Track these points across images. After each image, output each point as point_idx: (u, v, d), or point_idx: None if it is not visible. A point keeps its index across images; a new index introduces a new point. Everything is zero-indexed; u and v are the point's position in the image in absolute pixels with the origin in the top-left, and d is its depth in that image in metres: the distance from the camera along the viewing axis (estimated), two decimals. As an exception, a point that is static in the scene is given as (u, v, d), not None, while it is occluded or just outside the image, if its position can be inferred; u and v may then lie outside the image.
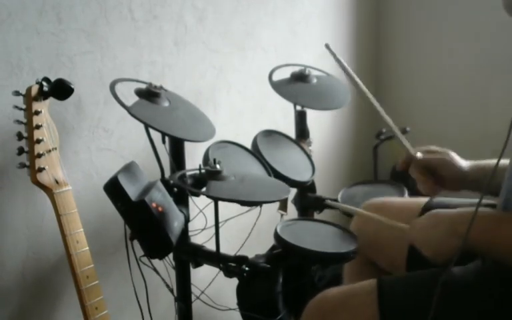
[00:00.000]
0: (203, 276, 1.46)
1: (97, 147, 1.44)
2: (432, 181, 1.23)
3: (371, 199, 1.40)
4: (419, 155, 1.27)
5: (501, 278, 0.99)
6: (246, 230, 1.45)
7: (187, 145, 1.38)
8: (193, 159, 1.47)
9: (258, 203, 1.22)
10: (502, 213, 1.03)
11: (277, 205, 1.61)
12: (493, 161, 1.17)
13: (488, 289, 1.00)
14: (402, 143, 1.31)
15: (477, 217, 0.95)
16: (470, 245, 0.97)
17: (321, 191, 1.74)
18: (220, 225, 1.21)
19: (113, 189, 1.11)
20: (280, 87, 1.66)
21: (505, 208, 1.04)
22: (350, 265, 1.42)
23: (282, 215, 1.59)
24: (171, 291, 1.37)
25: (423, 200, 1.30)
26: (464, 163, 1.24)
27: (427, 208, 1.25)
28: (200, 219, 1.38)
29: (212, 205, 1.20)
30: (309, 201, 1.69)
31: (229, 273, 1.23)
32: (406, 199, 1.34)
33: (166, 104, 1.31)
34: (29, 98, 1.13)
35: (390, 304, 1.03)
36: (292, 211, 1.69)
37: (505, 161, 1.11)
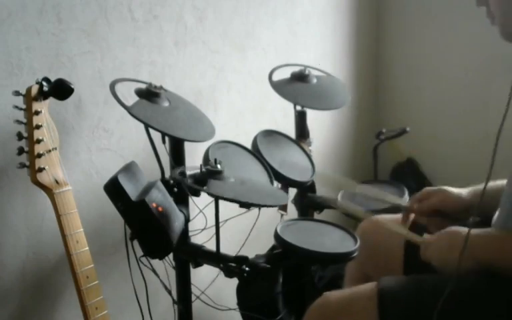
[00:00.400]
0: (203, 276, 1.46)
1: (97, 147, 1.44)
2: (438, 220, 1.25)
3: (366, 220, 1.41)
4: (415, 206, 1.29)
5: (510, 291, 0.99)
6: (246, 230, 1.45)
7: (187, 145, 1.38)
8: (193, 159, 1.47)
9: (257, 205, 1.22)
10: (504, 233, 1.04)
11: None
12: (490, 183, 1.20)
13: (499, 304, 1.00)
14: (398, 204, 1.34)
15: (492, 239, 0.96)
16: (482, 266, 0.98)
17: (320, 191, 1.74)
18: (220, 224, 1.21)
19: (113, 188, 1.11)
20: (280, 87, 1.66)
21: (505, 225, 1.05)
22: (352, 270, 1.43)
23: (282, 215, 1.59)
24: (169, 292, 1.36)
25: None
26: (462, 192, 1.26)
27: (417, 225, 1.28)
28: (200, 218, 1.38)
29: (212, 205, 1.20)
30: (309, 201, 1.69)
31: (229, 273, 1.23)
32: (397, 216, 1.36)
33: (166, 104, 1.31)
34: (28, 98, 1.13)
35: (390, 309, 1.03)
36: (292, 211, 1.69)
37: (501, 182, 1.13)
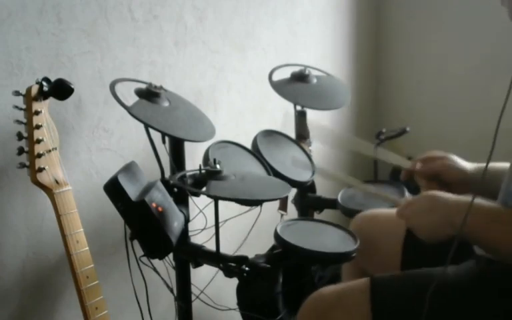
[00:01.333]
0: (203, 276, 1.46)
1: (97, 147, 1.44)
2: (435, 185, 1.23)
3: (361, 212, 1.41)
4: (418, 165, 1.26)
5: (500, 288, 0.99)
6: (246, 230, 1.45)
7: (187, 145, 1.38)
8: (193, 159, 1.47)
9: (258, 202, 1.22)
10: (497, 209, 1.02)
11: (276, 204, 1.61)
12: (495, 164, 1.19)
13: (485, 296, 1.00)
14: (402, 163, 1.33)
15: (473, 209, 0.95)
16: (463, 235, 0.97)
17: (320, 191, 1.74)
18: (220, 224, 1.21)
19: (113, 188, 1.11)
20: (280, 87, 1.66)
21: (505, 204, 1.04)
22: (348, 266, 1.43)
23: (282, 215, 1.59)
24: (171, 290, 1.37)
25: None
26: (466, 165, 1.24)
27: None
28: (200, 218, 1.38)
29: (212, 205, 1.20)
30: (309, 201, 1.69)
31: (229, 273, 1.22)
32: (394, 210, 1.36)
33: (166, 104, 1.31)
34: (28, 98, 1.13)
35: (382, 303, 1.04)
36: (292, 211, 1.69)
37: (506, 164, 1.12)
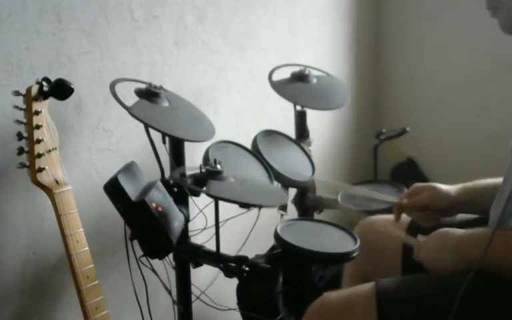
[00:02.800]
0: (203, 276, 1.46)
1: (97, 147, 1.44)
2: (429, 214, 1.28)
3: (364, 219, 1.42)
4: (404, 200, 1.31)
5: (506, 292, 0.99)
6: (246, 230, 1.45)
7: (187, 145, 1.38)
8: (193, 159, 1.47)
9: (258, 205, 1.22)
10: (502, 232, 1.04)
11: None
12: (479, 182, 1.22)
13: (491, 300, 1.00)
14: (387, 201, 1.35)
15: (482, 239, 0.97)
16: (474, 263, 0.98)
17: (321, 191, 1.74)
18: (220, 224, 1.21)
19: (113, 189, 1.11)
20: (280, 87, 1.66)
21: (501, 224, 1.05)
22: (349, 269, 1.43)
23: (282, 215, 1.58)
24: (169, 292, 1.36)
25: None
26: (451, 189, 1.28)
27: (413, 223, 1.31)
28: (200, 218, 1.38)
29: (212, 205, 1.20)
30: (309, 201, 1.69)
31: (229, 273, 1.22)
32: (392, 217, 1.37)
33: (166, 104, 1.31)
34: (28, 98, 1.13)
35: (389, 309, 1.03)
36: (292, 211, 1.69)
37: (495, 180, 1.14)
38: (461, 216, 1.30)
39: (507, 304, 0.98)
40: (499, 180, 1.14)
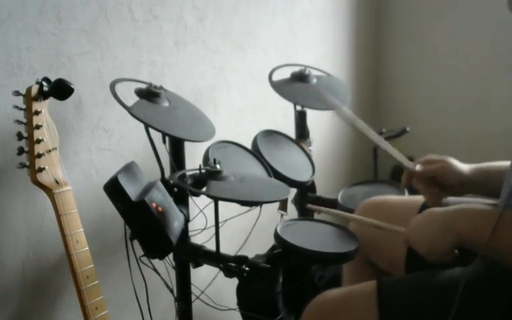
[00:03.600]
0: (203, 276, 1.46)
1: (97, 147, 1.44)
2: (435, 190, 1.24)
3: (369, 198, 1.40)
4: (418, 167, 1.27)
5: (507, 288, 0.99)
6: (246, 230, 1.45)
7: (187, 145, 1.38)
8: (193, 158, 1.47)
9: (258, 203, 1.22)
10: (497, 211, 1.03)
11: (276, 204, 1.61)
12: (493, 164, 1.18)
13: (492, 296, 1.00)
14: (401, 161, 1.31)
15: (475, 214, 0.95)
16: (464, 242, 0.97)
17: (321, 191, 1.74)
18: (220, 224, 1.21)
19: (113, 189, 1.11)
20: (280, 87, 1.66)
21: (508, 206, 1.04)
22: (350, 265, 1.42)
23: (282, 215, 1.58)
24: (171, 291, 1.37)
25: (420, 198, 1.30)
26: (464, 167, 1.24)
27: (425, 206, 1.26)
28: (200, 218, 1.38)
29: (212, 205, 1.20)
30: (309, 201, 1.69)
31: (228, 273, 1.22)
32: (403, 198, 1.34)
33: (166, 104, 1.31)
34: (28, 98, 1.13)
35: (390, 306, 1.03)
36: (292, 211, 1.69)
37: (505, 163, 1.11)
38: (455, 199, 1.28)
39: (507, 298, 0.98)
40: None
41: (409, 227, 1.09)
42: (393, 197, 1.38)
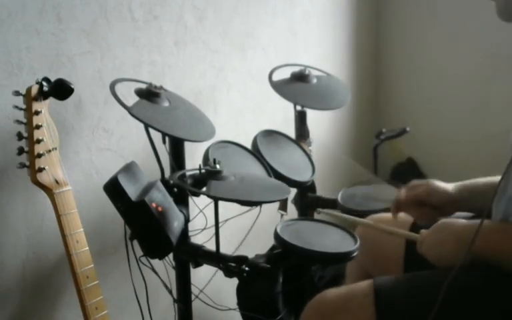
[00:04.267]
0: (203, 276, 1.46)
1: (97, 147, 1.44)
2: (426, 211, 1.27)
3: (367, 217, 1.41)
4: (402, 195, 1.30)
5: (505, 290, 0.99)
6: (246, 230, 1.45)
7: (187, 145, 1.38)
8: (193, 158, 1.47)
9: (258, 203, 1.22)
10: (503, 224, 1.04)
11: (276, 204, 1.61)
12: (478, 180, 1.22)
13: (490, 298, 1.00)
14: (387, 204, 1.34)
15: (489, 230, 0.97)
16: (476, 256, 0.98)
17: (320, 191, 1.74)
18: (220, 224, 1.21)
19: (113, 189, 1.11)
20: (280, 87, 1.66)
21: (504, 219, 1.05)
22: (352, 269, 1.43)
23: (282, 215, 1.58)
24: (170, 292, 1.37)
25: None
26: (448, 186, 1.28)
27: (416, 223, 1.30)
28: (200, 218, 1.38)
29: (212, 205, 1.20)
30: (308, 201, 1.69)
31: (228, 273, 1.22)
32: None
33: (166, 104, 1.31)
34: (28, 98, 1.13)
35: (386, 306, 1.03)
36: (292, 211, 1.69)
37: (494, 178, 1.13)
38: (458, 214, 1.30)
39: (502, 297, 0.99)
40: (497, 178, 1.14)
41: (423, 242, 1.11)
42: (386, 215, 1.40)
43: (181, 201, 1.31)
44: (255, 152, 1.50)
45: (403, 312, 1.03)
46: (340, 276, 1.54)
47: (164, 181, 1.27)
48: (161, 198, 1.17)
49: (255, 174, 1.40)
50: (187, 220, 1.33)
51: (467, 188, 1.26)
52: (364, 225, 1.34)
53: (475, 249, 0.98)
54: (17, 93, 1.13)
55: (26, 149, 1.12)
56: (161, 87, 1.32)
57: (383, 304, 1.03)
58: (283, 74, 1.72)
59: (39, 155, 1.12)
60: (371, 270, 1.34)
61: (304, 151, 1.66)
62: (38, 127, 1.12)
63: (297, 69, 1.73)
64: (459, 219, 1.10)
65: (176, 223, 1.19)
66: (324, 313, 1.08)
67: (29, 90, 1.13)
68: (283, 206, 1.61)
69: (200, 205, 1.35)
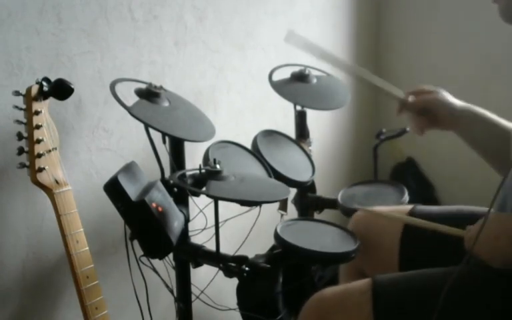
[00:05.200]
0: (203, 276, 1.46)
1: (97, 147, 1.44)
2: (423, 120, 1.26)
3: (359, 211, 1.40)
4: (410, 98, 1.28)
5: (501, 289, 0.99)
6: (246, 230, 1.45)
7: (187, 145, 1.38)
8: (193, 158, 1.47)
9: (258, 203, 1.22)
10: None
11: (276, 204, 1.61)
12: (483, 111, 1.19)
13: (486, 297, 1.00)
14: (391, 93, 1.31)
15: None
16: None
17: (320, 191, 1.74)
18: (220, 224, 1.21)
19: (113, 189, 1.11)
20: (280, 87, 1.66)
21: (502, 208, 1.04)
22: (345, 266, 1.43)
23: (282, 215, 1.59)
24: (171, 291, 1.37)
25: (407, 208, 1.32)
26: (456, 101, 1.26)
27: (411, 215, 1.27)
28: (200, 218, 1.38)
29: (212, 205, 1.20)
30: (308, 201, 1.69)
31: (229, 273, 1.23)
32: (391, 208, 1.35)
33: (166, 104, 1.31)
34: (28, 98, 1.13)
35: (384, 304, 1.03)
36: (292, 211, 1.69)
37: (493, 116, 1.11)
38: (440, 208, 1.26)
39: (501, 297, 0.99)
40: (504, 121, 1.11)
41: (472, 239, 1.03)
42: (381, 208, 1.38)
43: (181, 200, 1.31)
44: (255, 152, 1.50)
45: (400, 310, 1.03)
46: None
47: (164, 181, 1.27)
48: (161, 198, 1.17)
49: (254, 174, 1.40)
50: (187, 220, 1.33)
51: (473, 112, 1.23)
52: (409, 223, 1.29)
53: None
54: (16, 93, 1.13)
55: (26, 149, 1.12)
56: (161, 87, 1.32)
57: (380, 302, 1.03)
58: (283, 74, 1.72)
59: (39, 155, 1.12)
60: (365, 269, 1.34)
61: (304, 150, 1.66)
62: (38, 126, 1.12)
63: (296, 69, 1.72)
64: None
65: (176, 223, 1.19)
66: (322, 311, 1.09)
67: (29, 90, 1.13)
68: (283, 206, 1.61)
69: (200, 204, 1.35)
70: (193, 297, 1.41)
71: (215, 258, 1.24)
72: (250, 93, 1.92)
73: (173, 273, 1.40)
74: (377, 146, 2.29)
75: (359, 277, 1.16)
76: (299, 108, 1.71)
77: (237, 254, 1.24)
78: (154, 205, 1.12)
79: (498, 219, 1.01)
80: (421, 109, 1.26)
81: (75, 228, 1.15)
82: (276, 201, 1.47)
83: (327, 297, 1.10)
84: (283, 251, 1.22)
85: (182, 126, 1.31)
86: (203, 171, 1.21)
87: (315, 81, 1.72)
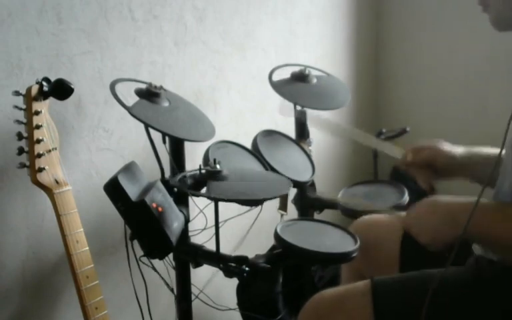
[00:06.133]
0: (203, 276, 1.46)
1: (97, 147, 1.44)
2: (428, 173, 1.26)
3: (360, 218, 1.42)
4: (409, 156, 1.30)
5: (499, 289, 0.99)
6: (246, 230, 1.45)
7: (187, 145, 1.38)
8: (193, 159, 1.47)
9: (258, 201, 1.22)
10: (500, 207, 1.03)
11: (277, 204, 1.61)
12: (483, 149, 1.20)
13: (485, 297, 1.00)
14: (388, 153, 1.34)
15: (477, 209, 0.95)
16: (467, 235, 0.97)
17: (320, 191, 1.74)
18: (220, 225, 1.21)
19: (113, 189, 1.11)
20: (280, 87, 1.66)
21: (495, 197, 1.04)
22: (347, 269, 1.43)
23: (282, 215, 1.58)
24: (171, 290, 1.37)
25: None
26: (455, 150, 1.26)
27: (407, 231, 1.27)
28: (200, 219, 1.38)
29: (212, 204, 1.20)
30: (308, 201, 1.69)
31: (229, 273, 1.23)
32: (391, 216, 1.36)
33: (166, 104, 1.31)
34: (29, 98, 1.13)
35: (384, 305, 1.03)
36: (292, 211, 1.69)
37: (494, 150, 1.12)
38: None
39: (502, 295, 0.99)
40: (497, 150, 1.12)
41: (410, 214, 1.10)
42: (381, 216, 1.39)
43: (181, 201, 1.31)
44: (255, 152, 1.49)
45: (400, 311, 1.03)
46: (340, 276, 1.54)
47: (164, 181, 1.27)
48: (161, 198, 1.17)
49: (253, 169, 1.39)
50: (187, 220, 1.33)
51: (473, 155, 1.25)
52: (361, 221, 1.33)
53: (474, 230, 0.96)
54: (16, 93, 1.13)
55: (26, 149, 1.12)
56: (161, 87, 1.32)
57: (380, 303, 1.03)
58: (283, 74, 1.72)
59: (39, 155, 1.12)
60: (366, 270, 1.34)
61: (304, 150, 1.66)
62: (38, 126, 1.12)
63: (297, 68, 1.72)
64: (451, 197, 1.07)
65: (176, 223, 1.19)
66: (321, 312, 1.09)
67: (29, 90, 1.13)
68: (283, 206, 1.61)
69: (200, 204, 1.35)
70: (193, 297, 1.41)
71: (215, 258, 1.23)
72: (250, 93, 1.92)
73: (173, 273, 1.40)
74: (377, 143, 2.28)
75: (359, 280, 1.17)
76: (299, 108, 1.71)
77: (236, 254, 1.24)
78: (154, 205, 1.12)
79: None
80: (421, 165, 1.27)
81: (74, 228, 1.15)
82: (277, 197, 1.46)
83: (326, 298, 1.10)
84: (282, 251, 1.22)
85: (182, 126, 1.31)
86: (203, 171, 1.21)
87: (314, 81, 1.72)
